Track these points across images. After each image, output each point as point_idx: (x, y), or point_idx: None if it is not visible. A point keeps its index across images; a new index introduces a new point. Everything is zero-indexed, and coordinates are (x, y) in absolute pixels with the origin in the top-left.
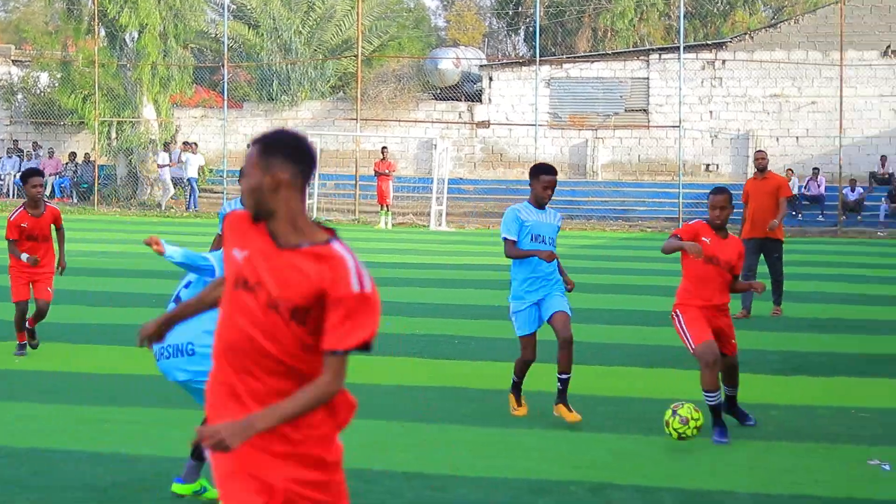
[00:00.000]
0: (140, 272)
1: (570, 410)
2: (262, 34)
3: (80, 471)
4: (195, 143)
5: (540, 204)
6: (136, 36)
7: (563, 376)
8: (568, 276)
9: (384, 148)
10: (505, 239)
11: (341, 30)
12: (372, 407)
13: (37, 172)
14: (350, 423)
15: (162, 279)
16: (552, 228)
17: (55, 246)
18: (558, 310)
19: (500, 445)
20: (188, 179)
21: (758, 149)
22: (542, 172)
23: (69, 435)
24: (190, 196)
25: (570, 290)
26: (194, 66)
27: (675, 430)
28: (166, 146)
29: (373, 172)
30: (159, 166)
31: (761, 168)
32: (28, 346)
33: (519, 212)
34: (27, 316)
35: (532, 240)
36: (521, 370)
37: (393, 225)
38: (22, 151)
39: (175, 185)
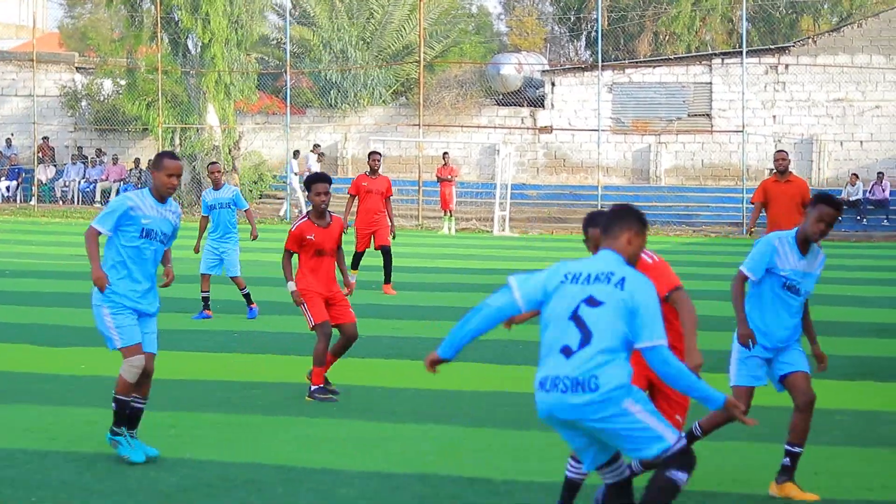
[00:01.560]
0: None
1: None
2: (322, 41)
3: (147, 475)
4: (320, 149)
5: (808, 242)
6: (200, 43)
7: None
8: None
9: (445, 153)
10: (741, 272)
11: (401, 35)
12: (438, 412)
13: (322, 178)
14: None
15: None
16: (812, 280)
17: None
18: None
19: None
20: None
21: (778, 149)
22: (824, 202)
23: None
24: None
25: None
26: (258, 73)
27: None
28: (296, 154)
29: (435, 178)
30: (295, 173)
31: (782, 170)
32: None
33: (776, 251)
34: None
35: (783, 288)
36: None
37: (456, 230)
38: (86, 158)
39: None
